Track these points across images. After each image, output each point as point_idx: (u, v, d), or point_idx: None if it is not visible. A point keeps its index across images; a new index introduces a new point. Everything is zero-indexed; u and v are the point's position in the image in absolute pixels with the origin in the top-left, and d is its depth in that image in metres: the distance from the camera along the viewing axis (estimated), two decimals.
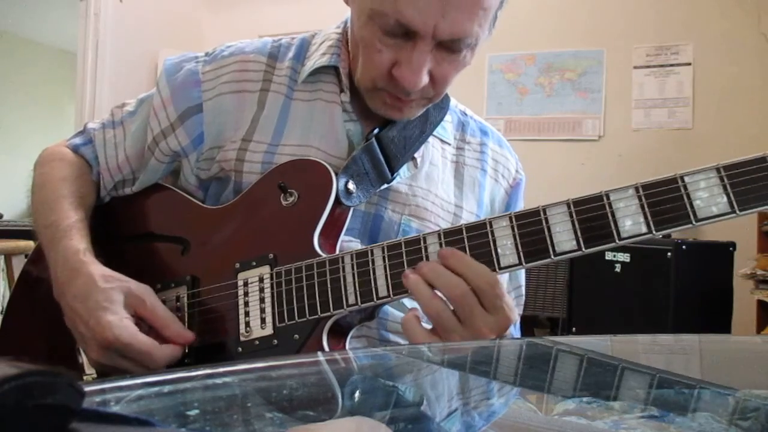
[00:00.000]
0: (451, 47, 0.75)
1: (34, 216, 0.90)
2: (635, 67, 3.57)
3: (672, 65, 3.50)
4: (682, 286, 2.56)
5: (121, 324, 0.72)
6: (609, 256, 2.72)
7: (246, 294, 0.78)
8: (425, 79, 0.76)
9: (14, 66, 6.37)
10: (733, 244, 2.70)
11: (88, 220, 0.86)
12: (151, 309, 0.77)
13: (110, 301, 0.74)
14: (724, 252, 2.70)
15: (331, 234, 0.80)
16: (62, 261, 0.79)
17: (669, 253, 2.56)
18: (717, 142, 3.30)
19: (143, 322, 0.77)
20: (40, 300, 0.95)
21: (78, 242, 0.80)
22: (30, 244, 2.23)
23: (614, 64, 3.61)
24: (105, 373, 0.86)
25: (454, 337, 0.68)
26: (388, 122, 0.86)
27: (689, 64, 3.47)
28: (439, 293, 0.68)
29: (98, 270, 0.77)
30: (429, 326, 0.71)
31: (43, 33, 6.34)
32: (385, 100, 0.81)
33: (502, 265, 0.68)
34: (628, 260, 2.69)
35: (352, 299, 0.72)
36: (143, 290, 0.78)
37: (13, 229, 2.80)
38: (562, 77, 3.72)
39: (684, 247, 2.58)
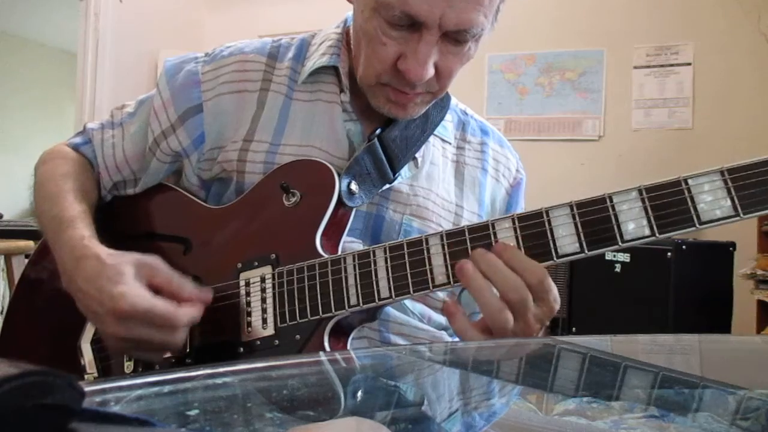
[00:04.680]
0: (456, 38, 0.75)
1: (38, 211, 0.89)
2: (635, 67, 3.57)
3: (672, 65, 3.50)
4: (682, 286, 2.56)
5: (134, 292, 0.72)
6: (609, 256, 2.72)
7: (248, 294, 0.78)
8: (431, 71, 0.76)
9: (14, 66, 6.37)
10: (733, 244, 2.70)
11: (92, 213, 0.86)
12: (164, 275, 0.76)
13: (120, 274, 0.73)
14: (724, 252, 2.70)
15: (333, 235, 0.80)
16: (68, 249, 0.79)
17: (669, 253, 2.56)
18: (717, 142, 3.30)
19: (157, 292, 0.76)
20: (41, 302, 0.95)
21: (82, 230, 0.80)
22: (30, 244, 2.22)
23: (614, 64, 3.61)
24: (106, 370, 0.86)
25: (507, 333, 0.67)
26: (389, 122, 0.86)
27: (689, 64, 3.47)
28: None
29: (104, 250, 0.76)
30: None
31: (43, 33, 6.34)
32: (388, 97, 0.80)
33: None
34: (628, 260, 2.69)
35: (354, 300, 0.72)
36: (152, 260, 0.77)
37: (13, 229, 2.80)
38: (562, 77, 3.72)
39: (684, 247, 2.58)
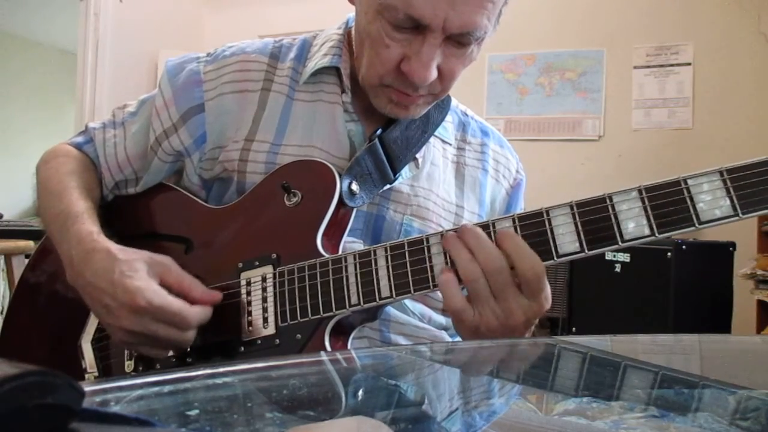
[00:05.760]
0: (460, 41, 0.75)
1: (41, 207, 0.89)
2: (635, 67, 3.57)
3: (672, 65, 3.50)
4: (682, 286, 2.56)
5: (150, 288, 0.72)
6: (609, 256, 2.72)
7: (249, 294, 0.78)
8: (434, 74, 0.76)
9: (14, 66, 6.37)
10: (733, 244, 2.70)
11: (96, 211, 0.86)
12: (176, 274, 0.77)
13: (134, 269, 0.73)
14: (724, 252, 2.70)
15: (334, 235, 0.80)
16: (76, 244, 0.79)
17: (669, 253, 2.56)
18: (717, 142, 3.30)
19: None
20: (41, 302, 0.95)
21: (90, 225, 0.80)
22: (30, 244, 2.22)
23: (614, 64, 3.61)
24: (106, 369, 0.86)
25: (486, 310, 0.67)
26: (390, 123, 0.86)
27: (689, 64, 3.47)
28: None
29: (115, 246, 0.77)
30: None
31: (44, 33, 6.34)
32: (391, 98, 0.80)
33: None
34: (628, 260, 2.69)
35: (354, 299, 0.72)
36: (165, 258, 0.77)
37: (13, 229, 2.80)
38: (562, 77, 3.72)
39: (684, 247, 2.58)
